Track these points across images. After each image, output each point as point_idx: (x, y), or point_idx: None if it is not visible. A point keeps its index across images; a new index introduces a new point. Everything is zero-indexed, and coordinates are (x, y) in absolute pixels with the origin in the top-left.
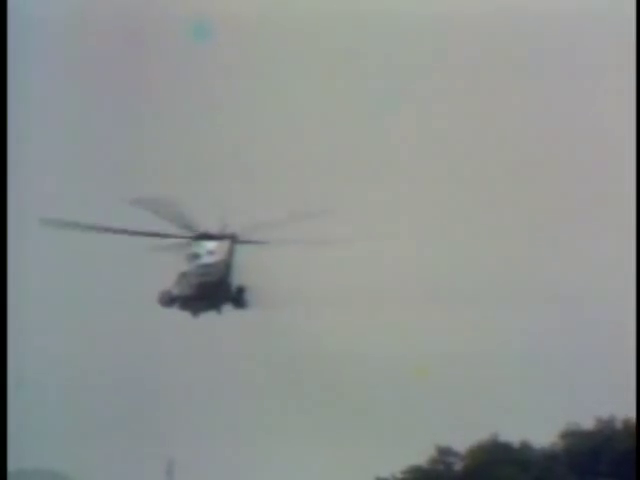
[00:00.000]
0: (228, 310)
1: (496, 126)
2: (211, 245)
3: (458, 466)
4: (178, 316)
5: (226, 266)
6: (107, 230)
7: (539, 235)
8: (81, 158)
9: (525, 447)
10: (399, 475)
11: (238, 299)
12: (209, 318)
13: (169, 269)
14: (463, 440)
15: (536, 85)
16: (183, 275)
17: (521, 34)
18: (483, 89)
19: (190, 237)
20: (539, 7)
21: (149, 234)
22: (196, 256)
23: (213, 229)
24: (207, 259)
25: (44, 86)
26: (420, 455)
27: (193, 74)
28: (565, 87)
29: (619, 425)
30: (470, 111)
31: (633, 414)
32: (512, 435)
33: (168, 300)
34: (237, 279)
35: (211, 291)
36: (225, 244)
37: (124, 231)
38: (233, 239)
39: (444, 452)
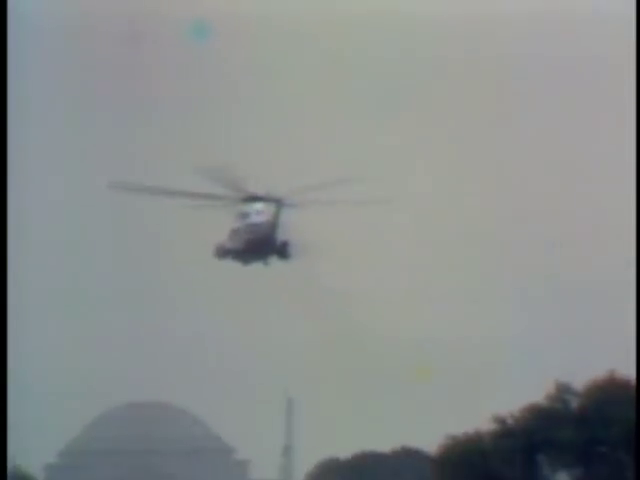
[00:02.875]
0: (273, 261)
1: (495, 127)
2: (259, 206)
3: (575, 403)
4: (231, 265)
5: (272, 225)
6: (171, 193)
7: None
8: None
9: None
10: (517, 413)
11: (282, 252)
12: (257, 267)
13: (224, 226)
14: (580, 378)
15: (536, 85)
16: (235, 231)
17: (520, 35)
18: (483, 89)
19: (241, 199)
20: (539, 8)
21: (207, 196)
22: (246, 215)
23: (261, 192)
24: (255, 218)
25: (44, 84)
26: (538, 393)
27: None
28: (565, 88)
29: None
30: (470, 112)
31: None
32: (629, 372)
33: (222, 252)
34: (282, 235)
35: (259, 246)
36: (272, 205)
37: (185, 194)
38: (279, 201)
39: (563, 389)
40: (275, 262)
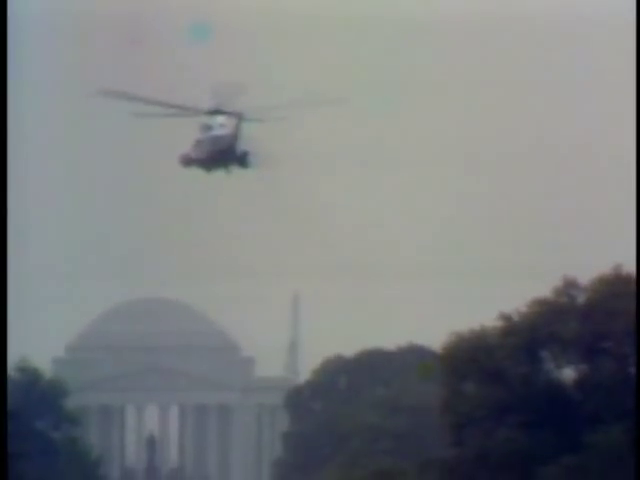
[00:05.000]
0: (234, 169)
1: (496, 126)
2: (222, 119)
3: (581, 299)
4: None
5: (234, 137)
6: (153, 103)
7: None
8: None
9: None
10: (524, 309)
11: (243, 161)
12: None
13: (189, 136)
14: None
15: (536, 87)
16: (199, 142)
17: (521, 37)
18: (484, 91)
19: (204, 112)
20: (539, 10)
21: (172, 107)
22: (209, 127)
23: (223, 106)
24: (218, 131)
25: (44, 84)
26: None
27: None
28: (565, 89)
29: None
30: (470, 112)
31: None
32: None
33: (187, 161)
34: (242, 146)
35: (221, 156)
36: (233, 119)
37: (160, 103)
38: (240, 115)
39: (569, 284)
40: (236, 170)
